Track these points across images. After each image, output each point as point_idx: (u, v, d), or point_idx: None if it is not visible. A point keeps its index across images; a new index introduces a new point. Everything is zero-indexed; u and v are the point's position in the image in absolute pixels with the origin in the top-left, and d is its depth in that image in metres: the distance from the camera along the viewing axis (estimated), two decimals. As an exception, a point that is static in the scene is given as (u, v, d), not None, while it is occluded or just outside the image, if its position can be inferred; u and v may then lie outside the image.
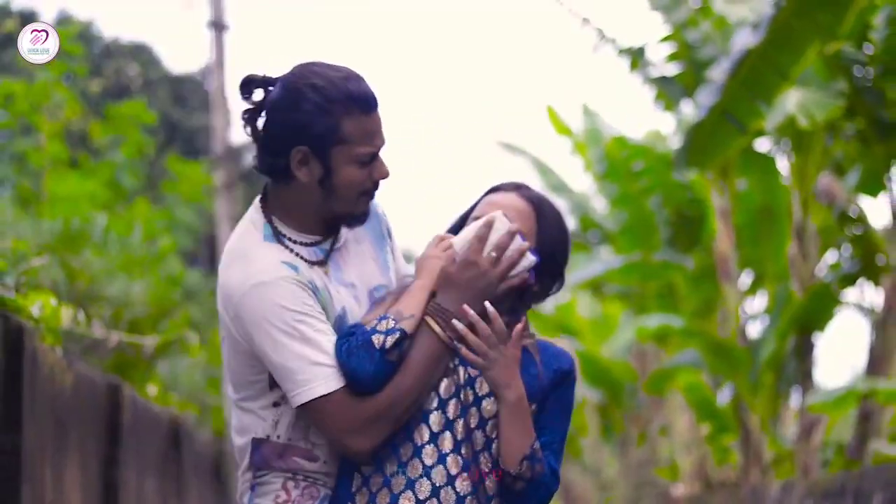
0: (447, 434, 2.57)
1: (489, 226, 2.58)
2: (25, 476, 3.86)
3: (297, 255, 2.61)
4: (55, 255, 7.09)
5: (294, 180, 2.60)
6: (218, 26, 13.79)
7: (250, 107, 2.63)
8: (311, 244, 2.65)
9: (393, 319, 2.53)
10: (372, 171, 2.61)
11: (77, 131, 12.03)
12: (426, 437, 2.56)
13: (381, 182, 2.64)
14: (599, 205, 13.89)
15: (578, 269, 11.32)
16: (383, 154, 2.63)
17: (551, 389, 2.64)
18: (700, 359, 10.17)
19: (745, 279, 11.08)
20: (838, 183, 8.98)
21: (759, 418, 9.60)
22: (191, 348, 9.63)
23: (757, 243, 10.47)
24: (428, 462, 2.55)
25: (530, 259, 2.61)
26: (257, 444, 2.64)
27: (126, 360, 7.89)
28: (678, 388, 12.13)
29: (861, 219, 8.87)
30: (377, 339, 2.51)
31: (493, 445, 2.58)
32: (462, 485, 2.55)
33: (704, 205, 10.93)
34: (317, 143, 2.55)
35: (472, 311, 2.56)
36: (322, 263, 2.65)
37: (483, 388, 2.59)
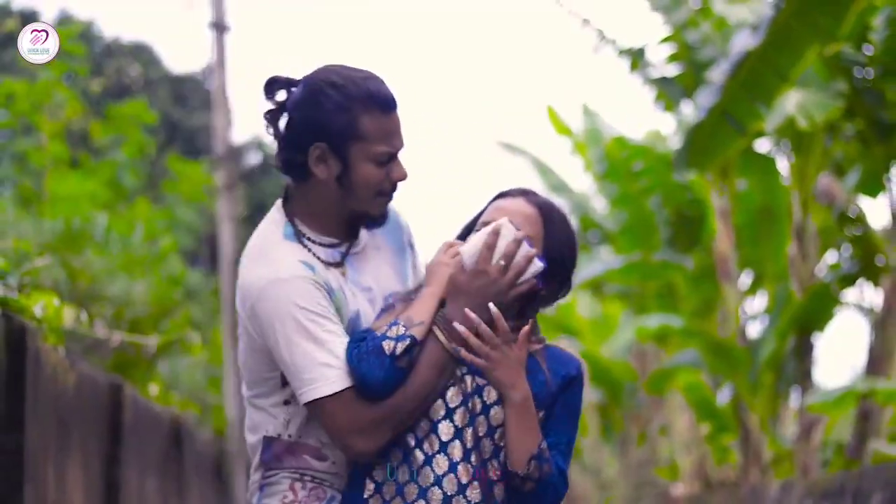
0: (456, 443, 2.59)
1: (496, 234, 2.60)
2: (28, 475, 3.88)
3: (314, 255, 2.64)
4: (56, 255, 7.11)
5: (312, 177, 2.63)
6: (219, 27, 13.78)
7: (273, 107, 2.66)
8: (330, 246, 2.68)
9: (403, 326, 2.56)
10: (389, 171, 2.63)
11: (78, 131, 12.05)
12: (436, 446, 2.58)
13: (399, 184, 2.66)
14: (599, 205, 13.90)
15: (578, 269, 11.31)
16: (402, 156, 2.66)
17: (559, 394, 2.65)
18: (700, 359, 10.18)
19: (745, 279, 11.09)
20: (838, 183, 8.99)
21: (758, 418, 9.62)
22: (192, 348, 9.65)
23: (757, 243, 10.48)
24: (439, 471, 2.57)
25: (538, 265, 2.62)
26: (268, 441, 2.67)
27: (127, 360, 7.91)
28: (678, 388, 12.14)
29: (860, 219, 8.88)
30: (388, 346, 2.54)
31: (502, 454, 2.59)
32: (473, 493, 2.57)
33: (704, 205, 10.94)
34: (335, 140, 2.59)
35: (473, 315, 2.57)
36: (339, 265, 2.67)
37: (491, 396, 2.61)
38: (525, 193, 2.71)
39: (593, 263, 11.69)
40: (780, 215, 10.17)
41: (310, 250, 2.64)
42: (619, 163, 11.53)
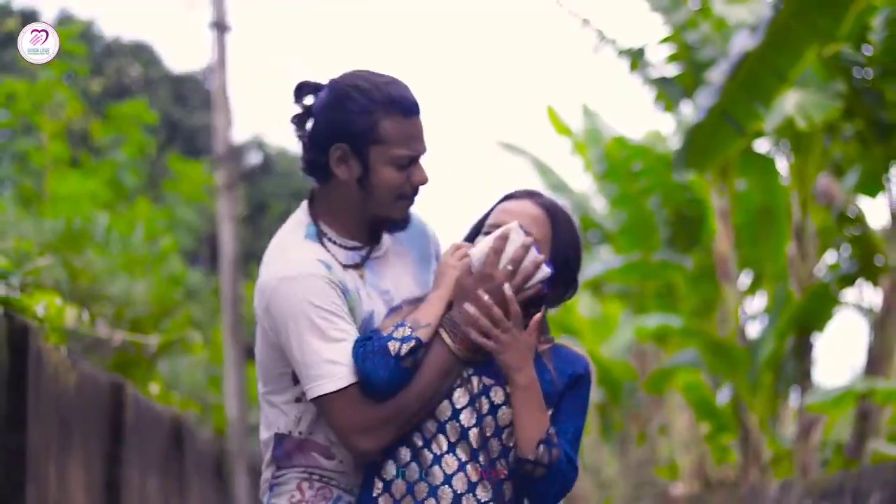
0: (463, 443, 2.61)
1: (505, 238, 2.61)
2: (30, 475, 3.89)
3: (333, 255, 2.67)
4: (57, 255, 7.12)
5: (334, 178, 2.68)
6: (220, 27, 13.80)
7: (301, 111, 2.71)
8: (351, 248, 2.71)
9: (409, 327, 2.58)
10: (410, 175, 2.67)
11: (78, 131, 12.06)
12: (445, 446, 2.61)
13: (421, 188, 2.70)
14: (599, 205, 13.90)
15: (579, 269, 11.30)
16: (424, 161, 2.70)
17: (565, 391, 2.67)
18: (699, 358, 10.18)
19: (745, 279, 11.10)
20: (837, 184, 9.00)
21: (758, 418, 9.63)
22: (192, 347, 9.66)
23: (756, 243, 10.49)
24: (448, 470, 2.59)
25: (546, 271, 2.64)
26: (280, 439, 2.71)
27: (128, 359, 7.92)
28: (677, 388, 12.15)
29: (860, 219, 8.89)
30: (393, 346, 2.56)
31: (510, 454, 2.62)
32: (483, 492, 2.60)
33: (704, 205, 10.95)
34: (356, 142, 2.63)
35: (485, 297, 2.59)
36: (358, 267, 2.70)
37: (498, 396, 2.63)
38: (532, 195, 2.73)
39: (593, 263, 11.69)
40: (779, 215, 10.18)
41: (328, 251, 2.68)
42: (618, 163, 11.54)
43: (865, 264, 8.72)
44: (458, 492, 2.58)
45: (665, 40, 9.62)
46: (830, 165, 9.06)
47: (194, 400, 10.87)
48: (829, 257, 9.66)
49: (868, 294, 9.89)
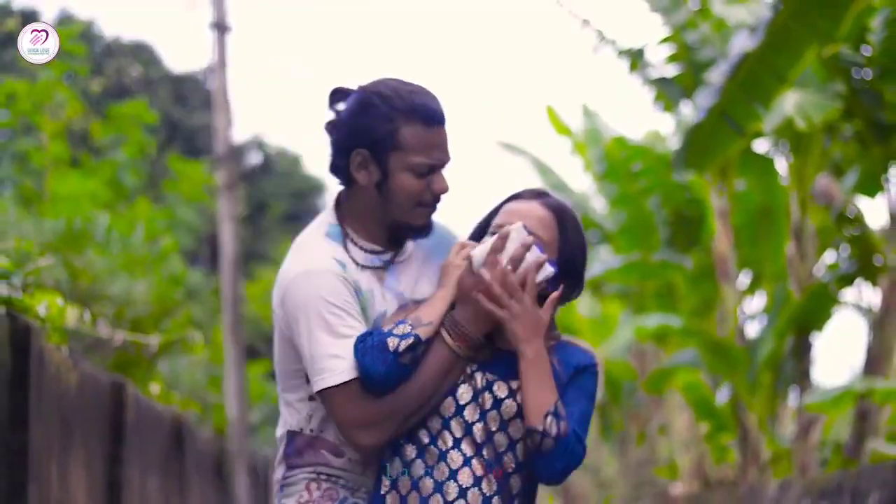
0: (469, 438, 2.63)
1: (505, 238, 2.64)
2: (32, 475, 3.90)
3: (350, 256, 2.72)
4: (57, 255, 7.14)
5: (355, 183, 2.72)
6: (220, 28, 13.80)
7: (334, 116, 2.75)
8: (372, 252, 2.75)
9: (410, 325, 2.61)
10: (430, 183, 2.70)
11: (78, 131, 12.06)
12: (449, 442, 2.63)
13: (442, 197, 2.73)
14: (599, 205, 13.91)
15: (579, 269, 11.29)
16: (446, 170, 2.73)
17: (571, 380, 2.69)
18: (699, 358, 10.19)
19: (744, 279, 11.11)
20: (836, 184, 9.00)
21: (757, 417, 9.64)
22: (193, 347, 9.67)
23: (755, 243, 10.50)
24: (454, 465, 2.62)
25: (549, 270, 2.66)
26: (292, 436, 2.76)
27: (128, 359, 7.94)
28: (677, 388, 12.15)
29: (859, 219, 8.90)
30: (391, 342, 2.59)
31: (517, 446, 2.64)
32: (488, 486, 2.62)
33: (703, 205, 10.96)
34: (375, 148, 2.68)
35: (504, 262, 2.61)
36: (376, 269, 2.74)
37: (501, 390, 2.66)
38: (539, 196, 2.74)
39: (593, 263, 11.69)
40: (778, 215, 10.18)
41: (348, 251, 2.73)
42: (618, 163, 11.55)
43: (864, 264, 8.73)
44: (464, 486, 2.61)
45: (665, 41, 9.63)
46: (829, 166, 9.07)
47: (194, 400, 10.88)
48: (829, 257, 9.66)
49: (867, 294, 9.90)
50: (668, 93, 9.82)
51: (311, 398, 2.73)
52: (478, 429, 2.63)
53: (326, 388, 2.62)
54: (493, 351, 2.70)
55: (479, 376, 2.66)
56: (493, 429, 2.64)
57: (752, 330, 10.98)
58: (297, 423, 2.75)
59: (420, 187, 2.69)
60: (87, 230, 8.30)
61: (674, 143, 11.61)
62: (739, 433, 9.80)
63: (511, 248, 2.63)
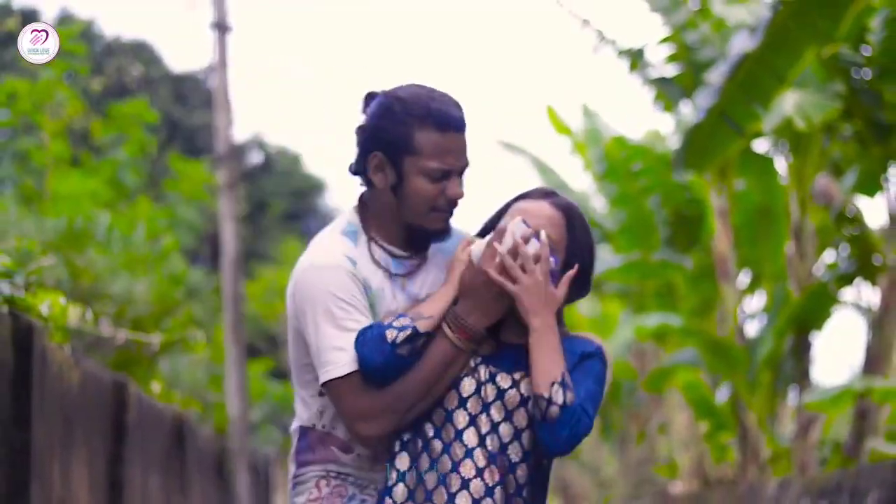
0: (471, 430, 2.67)
1: (502, 233, 2.67)
2: (35, 473, 3.91)
3: (370, 254, 2.76)
4: (59, 254, 7.15)
5: (372, 184, 2.77)
6: (221, 27, 13.81)
7: (363, 119, 2.79)
8: (390, 254, 2.79)
9: (410, 318, 2.66)
10: (445, 188, 2.73)
11: (79, 130, 12.07)
12: (452, 434, 2.67)
13: (457, 202, 2.76)
14: (599, 204, 13.91)
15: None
16: (464, 176, 2.76)
17: (576, 366, 2.72)
18: (698, 357, 10.21)
19: (744, 279, 11.12)
20: (836, 183, 9.02)
21: (756, 416, 9.65)
22: (194, 346, 9.68)
23: (755, 243, 10.50)
24: (456, 458, 2.66)
25: (549, 262, 2.68)
26: (304, 431, 2.81)
27: (129, 358, 7.95)
28: (677, 387, 12.16)
29: (858, 219, 8.91)
30: (390, 334, 2.64)
31: (524, 435, 2.67)
32: (490, 476, 2.65)
33: (703, 205, 10.96)
34: (391, 151, 2.72)
35: (518, 234, 2.63)
36: (388, 269, 2.78)
37: (504, 381, 2.69)
38: (547, 195, 2.77)
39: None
40: (778, 215, 10.19)
41: (369, 250, 2.77)
42: (618, 163, 11.55)
43: (864, 264, 8.74)
44: (466, 477, 2.64)
45: (664, 41, 9.63)
46: (829, 165, 9.08)
47: (196, 398, 10.90)
48: (828, 257, 9.68)
49: (866, 293, 9.92)
50: (668, 93, 9.83)
51: (321, 394, 2.77)
52: (481, 420, 2.67)
53: (330, 380, 2.67)
54: (498, 345, 2.73)
55: (482, 369, 2.70)
56: (498, 419, 2.67)
57: (752, 329, 11.00)
58: (308, 419, 2.80)
59: (434, 192, 2.73)
60: (88, 229, 8.31)
61: (673, 143, 11.62)
62: (739, 432, 9.82)
63: (509, 240, 2.65)
